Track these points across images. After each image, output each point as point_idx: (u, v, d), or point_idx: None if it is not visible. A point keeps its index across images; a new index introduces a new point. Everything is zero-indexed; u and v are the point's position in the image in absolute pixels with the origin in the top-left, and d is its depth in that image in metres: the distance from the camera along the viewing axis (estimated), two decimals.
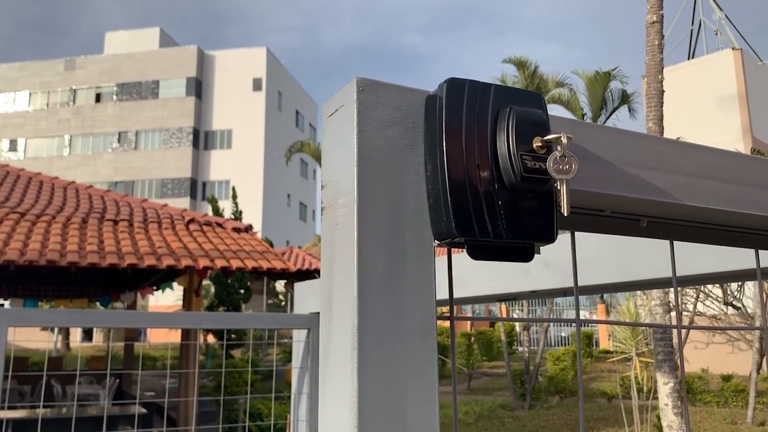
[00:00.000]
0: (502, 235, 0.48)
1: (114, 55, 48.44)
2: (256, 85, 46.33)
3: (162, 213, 10.15)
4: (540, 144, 0.48)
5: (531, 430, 11.45)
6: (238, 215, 17.59)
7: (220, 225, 9.92)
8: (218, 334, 16.73)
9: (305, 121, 53.20)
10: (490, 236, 0.47)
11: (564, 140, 0.47)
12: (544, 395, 14.48)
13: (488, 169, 0.48)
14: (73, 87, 48.57)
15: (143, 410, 8.93)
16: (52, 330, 28.19)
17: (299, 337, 2.35)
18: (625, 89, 13.70)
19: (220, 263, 8.00)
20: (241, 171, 43.74)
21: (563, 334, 28.20)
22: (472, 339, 24.88)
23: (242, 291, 16.92)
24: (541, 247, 0.52)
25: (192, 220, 9.81)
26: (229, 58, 47.47)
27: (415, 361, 0.47)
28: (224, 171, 44.47)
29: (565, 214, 0.48)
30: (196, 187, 44.59)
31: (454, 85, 0.49)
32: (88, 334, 34.55)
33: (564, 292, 1.32)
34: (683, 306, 12.18)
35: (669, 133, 16.70)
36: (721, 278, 1.08)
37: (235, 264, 8.10)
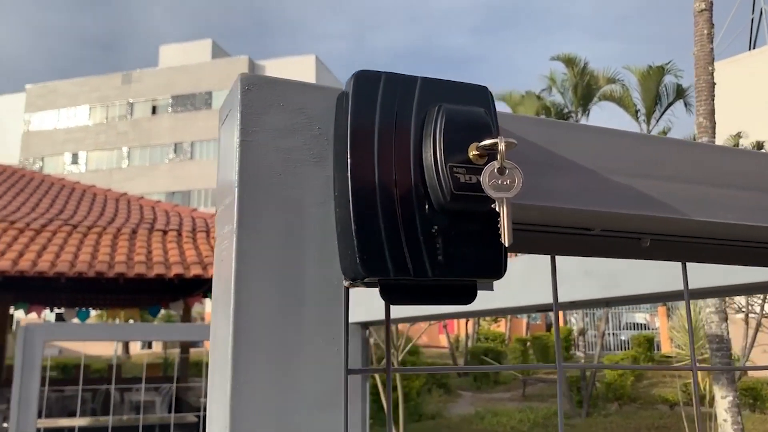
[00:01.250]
0: (426, 272, 0.37)
1: (168, 68, 49.73)
2: None
3: (211, 222, 10.24)
4: (477, 152, 0.37)
5: None
6: None
7: None
8: None
9: None
10: (410, 274, 0.37)
11: (501, 147, 0.36)
12: (601, 402, 14.02)
13: (409, 186, 0.37)
14: (130, 100, 50.05)
15: (194, 418, 8.99)
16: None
17: None
18: (680, 83, 13.18)
19: None
20: None
21: (622, 338, 27.36)
22: (528, 344, 24.39)
23: None
24: (492, 283, 0.40)
25: None
26: (279, 66, 48.13)
27: None
28: None
29: (506, 244, 0.37)
30: None
31: (365, 78, 0.39)
32: (147, 342, 35.46)
33: (607, 302, 1.19)
34: (750, 308, 11.57)
35: (724, 130, 16.00)
36: (740, 291, 0.97)
37: None
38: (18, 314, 20.04)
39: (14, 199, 10.28)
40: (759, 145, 16.21)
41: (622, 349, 25.28)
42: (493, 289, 0.40)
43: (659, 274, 0.95)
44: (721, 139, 16.44)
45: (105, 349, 32.15)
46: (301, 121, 0.39)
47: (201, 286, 11.06)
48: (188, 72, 48.74)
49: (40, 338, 2.04)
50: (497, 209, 0.37)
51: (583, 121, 13.78)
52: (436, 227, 0.37)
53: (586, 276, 1.14)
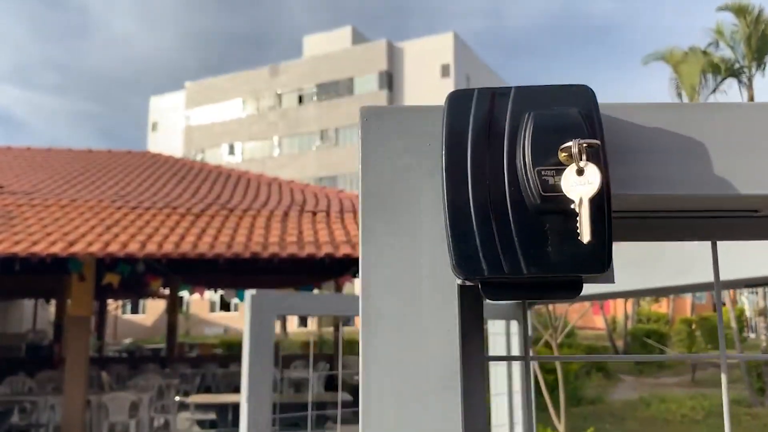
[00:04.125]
0: (521, 270, 0.39)
1: (312, 57, 51.31)
2: (444, 71, 46.37)
3: (357, 202, 10.27)
4: (565, 154, 0.39)
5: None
6: None
7: None
8: None
9: None
10: (504, 273, 0.40)
11: (575, 150, 0.38)
12: None
13: (502, 191, 0.40)
14: (278, 91, 52.22)
15: (348, 396, 9.08)
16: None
17: (495, 329, 2.05)
18: None
19: None
20: None
21: None
22: (693, 326, 22.65)
23: None
24: (612, 275, 0.41)
25: None
26: (417, 47, 48.02)
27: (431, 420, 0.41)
28: None
29: (584, 241, 0.38)
30: None
31: (458, 96, 0.43)
32: (303, 320, 37.11)
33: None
34: None
35: None
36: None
37: None
38: (186, 296, 21.61)
39: (176, 186, 10.93)
40: None
41: None
42: (614, 281, 0.41)
43: None
44: None
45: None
46: (415, 141, 0.44)
47: (350, 266, 11.18)
48: (330, 60, 49.97)
49: (270, 309, 1.92)
50: (576, 209, 0.38)
51: (758, 77, 12.27)
52: (528, 228, 0.39)
53: (754, 250, 1.03)
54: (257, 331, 1.86)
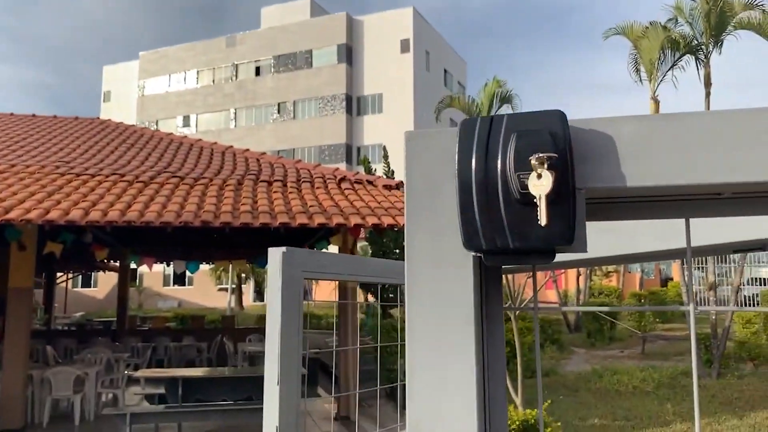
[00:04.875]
0: (508, 244, 0.54)
1: (269, 28, 50.25)
2: (404, 46, 45.96)
3: (315, 173, 10.00)
4: (536, 162, 0.52)
5: (723, 402, 10.13)
6: (390, 175, 17.33)
7: (371, 183, 9.58)
8: (378, 293, 16.73)
9: (453, 80, 52.16)
10: (497, 246, 0.55)
11: (534, 161, 0.52)
12: (734, 362, 12.89)
13: (495, 189, 0.54)
14: (235, 62, 51.11)
15: (303, 370, 8.90)
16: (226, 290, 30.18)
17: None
18: None
19: (371, 220, 7.63)
20: (392, 134, 43.86)
21: (745, 294, 25.31)
22: (642, 300, 23.19)
23: (397, 251, 16.72)
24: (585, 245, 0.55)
25: (343, 179, 9.55)
26: (377, 21, 47.42)
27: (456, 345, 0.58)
28: (377, 135, 44.82)
29: (542, 224, 0.52)
30: (351, 152, 45.47)
31: (466, 123, 0.57)
32: (260, 294, 36.74)
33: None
34: None
35: None
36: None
37: (387, 221, 7.68)
38: (141, 269, 21.02)
39: (125, 153, 10.47)
40: None
41: (748, 306, 23.37)
42: (586, 251, 0.55)
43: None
44: None
45: (220, 301, 33.63)
46: (440, 154, 0.59)
47: (309, 237, 10.94)
48: (288, 32, 49.03)
49: (300, 273, 1.63)
50: (536, 202, 0.52)
51: (714, 54, 12.36)
52: (513, 215, 0.54)
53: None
54: (288, 294, 1.59)
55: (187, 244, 10.05)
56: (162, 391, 9.13)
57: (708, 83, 12.30)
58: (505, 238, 0.54)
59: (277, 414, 1.54)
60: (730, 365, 12.62)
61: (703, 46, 12.36)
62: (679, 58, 12.38)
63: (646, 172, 0.54)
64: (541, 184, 0.51)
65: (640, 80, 13.32)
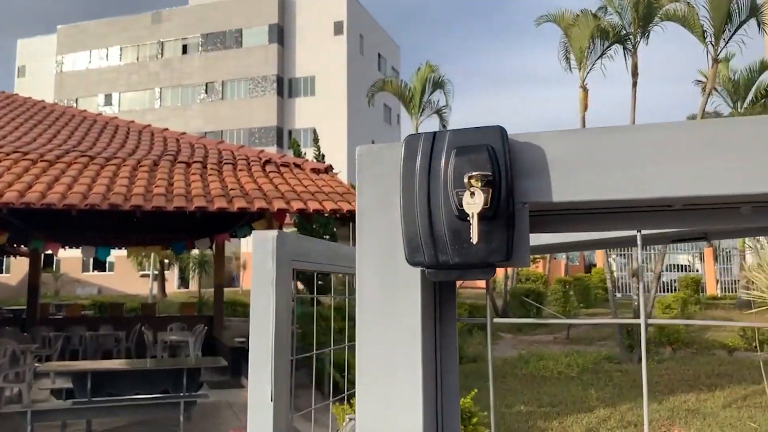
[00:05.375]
0: (449, 260, 0.55)
1: (198, 5, 48.59)
2: (338, 28, 45.32)
3: (238, 154, 9.52)
4: (471, 181, 0.53)
5: None
6: (320, 159, 16.93)
7: (298, 166, 9.19)
8: (308, 280, 16.37)
9: (387, 65, 51.91)
10: (438, 262, 0.55)
11: (465, 179, 0.53)
12: (654, 346, 13.24)
13: (438, 206, 0.55)
14: (161, 40, 49.25)
15: (223, 362, 8.49)
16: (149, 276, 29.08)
17: None
18: None
19: (296, 205, 7.26)
20: (325, 118, 43.28)
21: (663, 280, 26.31)
22: (567, 286, 23.70)
23: (327, 237, 16.38)
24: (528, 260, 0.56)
25: (268, 161, 9.12)
26: (310, 2, 46.52)
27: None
28: (309, 118, 44.10)
29: (474, 242, 0.53)
30: (283, 135, 44.59)
31: (411, 138, 0.58)
32: (184, 281, 35.64)
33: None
34: None
35: None
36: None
37: (313, 206, 7.33)
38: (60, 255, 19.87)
39: (31, 130, 9.68)
40: None
41: (666, 291, 24.31)
42: (528, 265, 0.56)
43: None
44: None
45: (142, 287, 32.37)
46: (390, 169, 0.59)
47: (232, 224, 10.46)
48: (218, 9, 47.54)
49: (288, 262, 1.23)
50: (470, 220, 0.52)
51: (642, 44, 12.52)
52: (453, 231, 0.54)
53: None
54: (281, 289, 1.23)
55: (97, 228, 9.38)
56: (69, 385, 8.52)
57: (635, 73, 12.46)
58: (446, 254, 0.55)
59: None
60: (651, 350, 12.95)
61: (631, 36, 12.50)
62: (608, 47, 12.48)
63: (589, 186, 0.54)
64: (473, 203, 0.52)
65: (570, 68, 13.40)
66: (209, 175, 8.12)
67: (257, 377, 1.22)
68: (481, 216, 0.52)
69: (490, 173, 0.53)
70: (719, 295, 27.90)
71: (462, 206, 0.53)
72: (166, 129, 10.83)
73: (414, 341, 0.58)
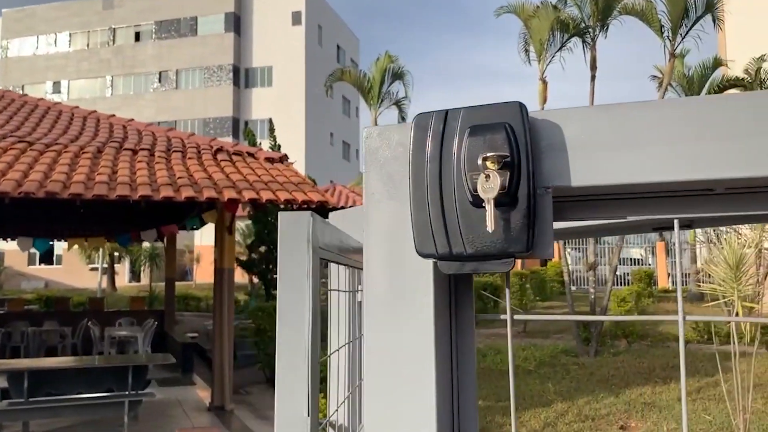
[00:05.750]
0: (463, 251, 0.50)
1: None
2: (296, 19, 44.68)
3: (188, 142, 9.12)
4: (488, 163, 0.48)
5: (600, 379, 10.34)
6: (276, 149, 16.52)
7: (251, 155, 8.84)
8: (262, 274, 15.99)
9: (346, 56, 51.46)
10: (452, 253, 0.51)
11: (479, 161, 0.48)
12: (609, 339, 13.32)
13: (451, 192, 0.51)
14: (113, 26, 47.85)
15: (171, 359, 8.13)
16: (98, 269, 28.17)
17: None
18: None
19: (248, 195, 6.94)
20: (282, 109, 42.64)
21: (617, 273, 26.71)
22: (524, 279, 23.82)
23: None
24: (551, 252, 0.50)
25: (220, 150, 8.75)
26: None
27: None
28: (266, 109, 43.38)
29: (489, 231, 0.48)
30: (239, 126, 43.77)
31: (421, 117, 0.53)
32: (135, 275, 34.69)
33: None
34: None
35: (750, 52, 14.78)
36: None
37: (266, 196, 7.02)
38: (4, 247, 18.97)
39: None
40: None
41: (621, 285, 24.67)
42: (552, 257, 0.54)
43: None
44: (743, 62, 15.22)
45: (91, 281, 31.34)
46: (400, 152, 0.55)
47: (183, 216, 10.04)
48: None
49: (317, 244, 0.89)
50: (485, 206, 0.48)
51: (600, 37, 12.51)
52: (467, 219, 0.50)
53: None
54: (315, 281, 0.93)
55: (35, 219, 8.85)
56: (4, 385, 8.03)
57: (594, 66, 12.45)
58: (460, 245, 0.50)
59: None
60: (607, 343, 13.02)
61: (590, 30, 12.47)
62: (568, 39, 12.44)
63: (622, 167, 0.48)
64: (489, 187, 0.48)
65: (529, 61, 13.32)
66: (156, 163, 7.72)
67: (288, 388, 0.93)
68: (498, 202, 0.48)
69: (508, 154, 0.48)
70: (671, 288, 28.48)
71: (477, 191, 0.49)
72: (113, 115, 10.33)
73: (427, 342, 0.54)
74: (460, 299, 0.57)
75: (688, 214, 0.54)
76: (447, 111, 0.51)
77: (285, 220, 0.89)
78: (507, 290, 0.58)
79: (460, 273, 0.52)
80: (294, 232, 0.93)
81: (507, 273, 0.54)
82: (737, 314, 6.88)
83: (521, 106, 0.50)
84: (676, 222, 0.56)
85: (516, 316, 0.58)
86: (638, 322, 13.87)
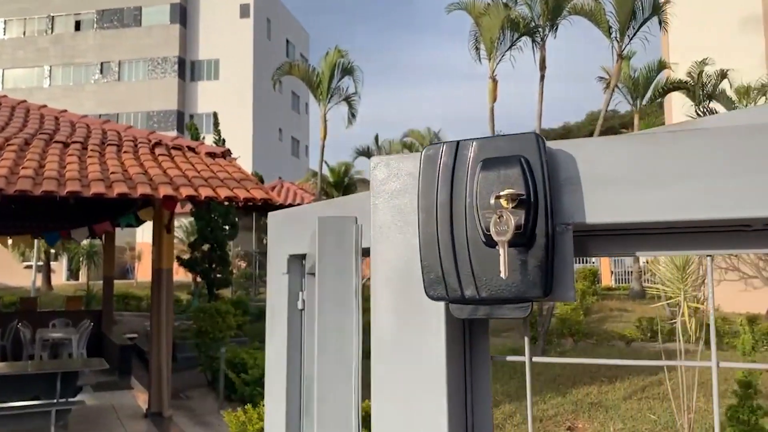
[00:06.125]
0: (476, 294, 0.47)
1: None
2: (244, 11, 43.85)
3: (124, 135, 8.65)
4: (501, 201, 0.45)
5: (548, 378, 10.32)
6: (220, 144, 16.03)
7: (192, 149, 8.44)
8: (205, 273, 15.48)
9: (296, 51, 50.81)
10: (464, 297, 0.47)
11: (492, 200, 0.45)
12: (556, 338, 13.38)
13: (462, 231, 0.47)
14: (51, 14, 46.03)
15: (105, 365, 7.68)
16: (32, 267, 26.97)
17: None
18: None
19: (185, 192, 6.56)
20: (229, 103, 41.75)
21: None
22: None
23: (227, 227, 15.55)
24: (572, 295, 0.47)
25: (158, 143, 8.32)
26: None
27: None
28: (212, 103, 42.39)
29: (503, 277, 0.44)
30: (183, 120, 42.66)
31: (430, 149, 0.50)
32: (73, 273, 33.40)
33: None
34: None
35: (692, 56, 15.09)
36: None
37: (205, 193, 6.66)
38: None
39: None
40: (723, 74, 15.41)
41: None
42: (573, 299, 0.48)
43: None
44: (686, 65, 15.54)
45: (26, 280, 29.98)
46: (409, 183, 0.52)
47: (117, 213, 9.54)
48: None
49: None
50: (499, 249, 0.44)
51: (550, 37, 12.54)
52: (481, 260, 0.46)
53: None
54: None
55: None
56: None
57: (543, 66, 12.47)
58: (473, 287, 0.47)
59: None
60: (553, 341, 13.07)
61: (540, 29, 12.48)
62: (518, 38, 12.42)
63: (649, 204, 0.45)
64: (502, 229, 0.44)
65: (480, 59, 13.26)
66: (89, 157, 7.26)
67: (329, 414, 0.68)
68: (513, 242, 0.44)
69: (523, 192, 0.45)
70: (613, 286, 29.02)
71: (489, 231, 0.45)
72: (44, 106, 9.74)
73: (438, 384, 0.50)
74: (474, 338, 0.54)
75: (723, 249, 0.49)
76: (458, 142, 0.49)
77: (323, 223, 0.67)
78: (526, 339, 0.54)
79: (473, 318, 0.48)
80: (335, 236, 0.66)
81: (525, 319, 0.50)
82: (683, 314, 6.91)
83: (537, 138, 0.47)
84: (709, 260, 0.51)
85: (535, 359, 0.55)
86: (583, 321, 13.97)
